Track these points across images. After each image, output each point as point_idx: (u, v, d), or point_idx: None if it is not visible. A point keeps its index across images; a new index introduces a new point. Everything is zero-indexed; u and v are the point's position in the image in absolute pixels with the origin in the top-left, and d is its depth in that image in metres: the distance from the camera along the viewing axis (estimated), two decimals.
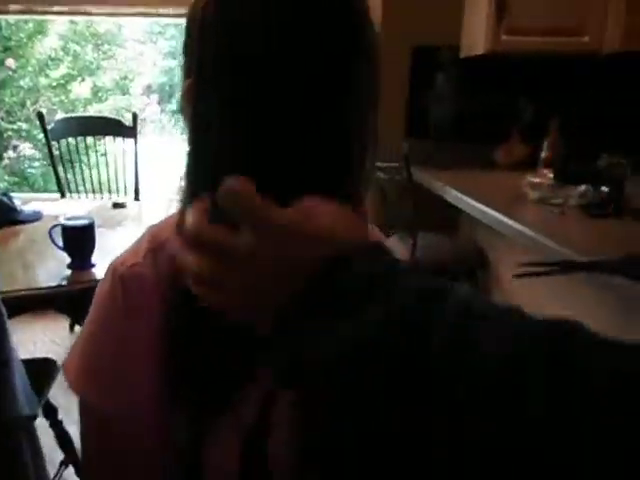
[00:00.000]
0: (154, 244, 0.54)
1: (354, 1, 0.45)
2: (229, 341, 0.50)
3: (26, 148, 4.22)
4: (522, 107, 2.62)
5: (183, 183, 0.50)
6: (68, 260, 1.46)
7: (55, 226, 1.45)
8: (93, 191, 2.70)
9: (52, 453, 1.56)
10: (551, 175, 1.80)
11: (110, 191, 2.73)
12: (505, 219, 1.46)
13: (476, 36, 2.38)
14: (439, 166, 2.44)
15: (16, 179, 4.16)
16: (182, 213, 0.47)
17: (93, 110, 4.09)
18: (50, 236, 1.45)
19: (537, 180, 1.75)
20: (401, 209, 2.32)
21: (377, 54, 0.48)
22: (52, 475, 1.51)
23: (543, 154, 2.26)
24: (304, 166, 0.45)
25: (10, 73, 3.98)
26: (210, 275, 0.37)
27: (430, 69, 2.58)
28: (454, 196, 1.89)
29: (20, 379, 1.12)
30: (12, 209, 1.81)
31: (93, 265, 1.45)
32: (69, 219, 1.46)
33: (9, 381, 1.09)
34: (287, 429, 0.53)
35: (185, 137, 0.51)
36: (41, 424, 1.35)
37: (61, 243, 1.45)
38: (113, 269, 0.53)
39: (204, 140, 0.47)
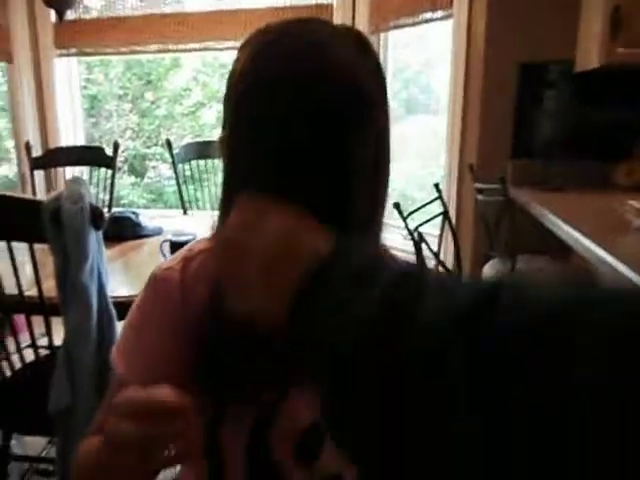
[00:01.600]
0: (189, 253, 0.66)
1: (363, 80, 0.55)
2: (245, 340, 0.58)
3: (164, 169, 4.73)
4: None
5: (218, 206, 0.63)
6: None
7: (165, 241, 1.66)
8: (212, 208, 2.97)
9: None
10: None
11: None
12: (595, 248, 1.39)
13: (590, 50, 2.27)
14: (549, 187, 2.35)
15: (153, 196, 4.71)
16: (216, 225, 0.62)
17: (218, 134, 4.49)
18: (161, 250, 1.66)
19: None
20: (500, 231, 2.28)
21: (384, 135, 0.58)
22: None
23: None
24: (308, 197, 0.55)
25: (149, 104, 4.53)
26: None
27: (539, 85, 2.50)
28: (549, 219, 1.82)
29: None
30: (136, 225, 2.07)
31: None
32: (176, 235, 1.66)
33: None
34: (289, 423, 0.61)
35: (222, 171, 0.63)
36: None
37: (169, 255, 1.65)
38: (154, 270, 0.66)
39: (234, 176, 0.60)
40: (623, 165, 2.41)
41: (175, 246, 1.63)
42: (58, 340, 1.38)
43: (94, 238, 1.25)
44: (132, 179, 4.70)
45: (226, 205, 0.62)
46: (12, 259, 1.29)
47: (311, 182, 0.54)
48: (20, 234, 1.29)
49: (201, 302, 0.60)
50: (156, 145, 4.63)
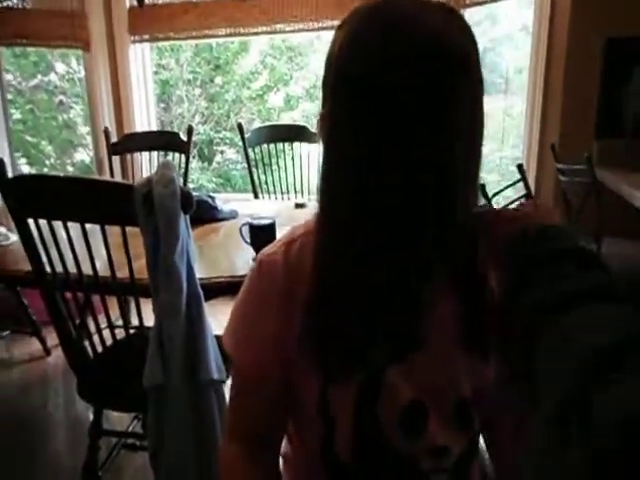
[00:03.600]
0: (289, 238, 0.67)
1: (455, 49, 0.53)
2: (356, 317, 0.61)
3: (231, 153, 4.80)
4: None
5: (318, 192, 0.63)
6: (254, 253, 1.67)
7: (244, 224, 1.68)
8: (281, 192, 2.98)
9: None
10: None
11: (296, 192, 2.98)
12: None
13: None
14: (637, 167, 2.21)
15: (221, 180, 4.79)
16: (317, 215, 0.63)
17: (285, 117, 4.50)
18: (240, 233, 1.68)
19: None
20: (585, 213, 2.17)
21: (479, 97, 0.57)
22: None
23: None
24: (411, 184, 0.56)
25: (218, 88, 4.58)
26: None
27: (627, 61, 2.35)
28: None
29: (213, 350, 1.34)
30: (214, 208, 2.11)
31: None
32: (255, 218, 1.68)
33: (204, 350, 1.32)
34: (391, 397, 0.63)
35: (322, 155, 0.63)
36: None
37: (249, 239, 1.67)
38: (258, 256, 0.68)
39: (336, 162, 0.60)
40: None
41: (255, 230, 1.65)
42: (139, 321, 1.44)
43: (183, 221, 1.27)
44: (200, 164, 4.80)
45: (328, 179, 0.62)
46: (105, 242, 1.34)
47: (416, 147, 0.54)
48: (113, 217, 1.34)
49: (304, 280, 0.62)
50: (225, 130, 4.69)
